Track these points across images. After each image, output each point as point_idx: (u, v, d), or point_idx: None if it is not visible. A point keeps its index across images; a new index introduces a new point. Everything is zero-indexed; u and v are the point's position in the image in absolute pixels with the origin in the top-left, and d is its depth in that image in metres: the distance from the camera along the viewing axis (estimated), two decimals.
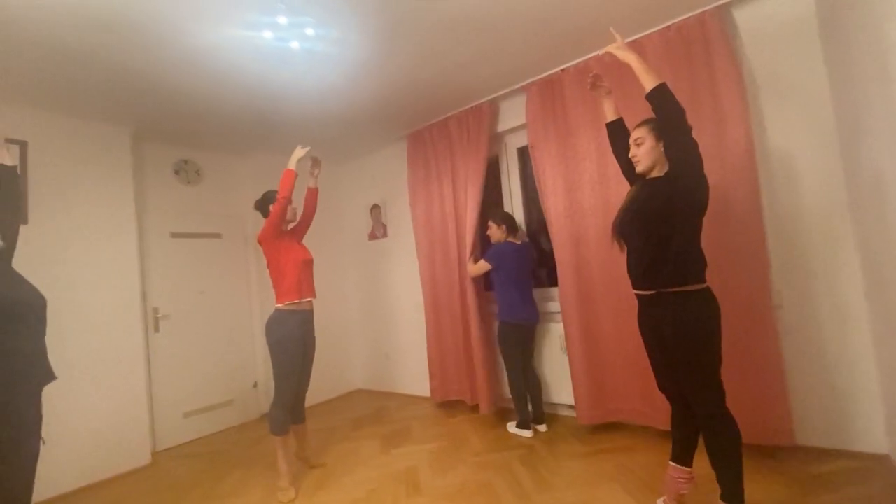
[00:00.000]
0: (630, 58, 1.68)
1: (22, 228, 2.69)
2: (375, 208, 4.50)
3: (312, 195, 2.77)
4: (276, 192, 2.50)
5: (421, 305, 3.84)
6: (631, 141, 1.78)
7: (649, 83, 1.62)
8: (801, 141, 2.27)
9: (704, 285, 1.61)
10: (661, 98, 1.61)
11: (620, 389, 2.69)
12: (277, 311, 2.48)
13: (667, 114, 1.61)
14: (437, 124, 3.63)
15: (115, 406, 2.98)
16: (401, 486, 2.37)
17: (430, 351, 3.67)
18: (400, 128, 3.82)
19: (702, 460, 1.76)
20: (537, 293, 3.21)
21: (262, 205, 2.62)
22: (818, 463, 2.11)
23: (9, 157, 1.52)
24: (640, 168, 1.76)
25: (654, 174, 1.74)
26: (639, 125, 1.77)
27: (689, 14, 2.43)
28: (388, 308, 4.39)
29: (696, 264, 1.62)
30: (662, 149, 1.69)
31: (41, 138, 2.85)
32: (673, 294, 1.61)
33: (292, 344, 2.45)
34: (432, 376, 3.66)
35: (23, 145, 2.78)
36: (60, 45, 2.19)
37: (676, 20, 2.47)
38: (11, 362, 1.25)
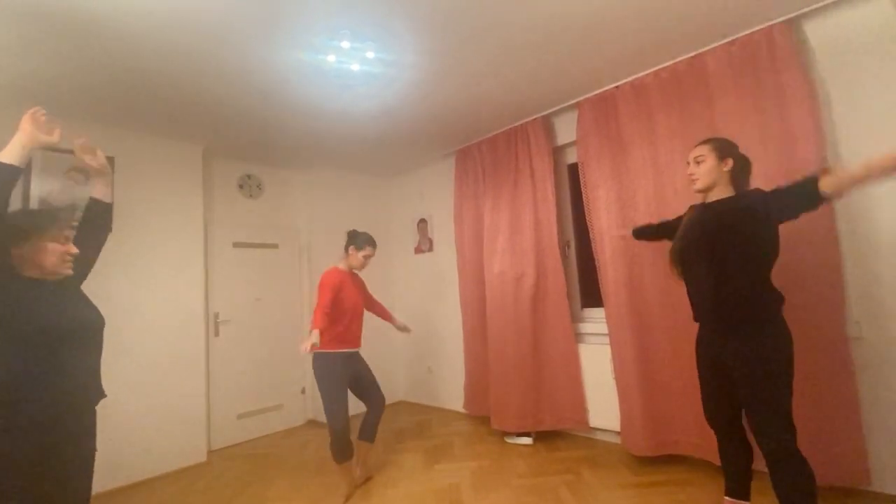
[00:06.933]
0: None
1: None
2: (422, 222, 4.58)
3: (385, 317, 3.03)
4: (364, 236, 2.67)
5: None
6: (690, 159, 1.74)
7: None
8: None
9: (779, 314, 1.52)
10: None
11: (677, 419, 2.55)
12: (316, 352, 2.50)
13: None
14: (485, 141, 3.67)
15: (177, 404, 3.18)
16: None
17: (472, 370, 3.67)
18: (449, 144, 3.89)
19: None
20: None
21: (350, 240, 2.70)
22: None
23: (109, 195, 1.66)
24: (697, 186, 1.71)
25: (715, 196, 1.68)
26: (701, 143, 1.73)
27: (755, 28, 2.34)
28: (432, 322, 4.42)
29: (769, 292, 1.53)
30: (725, 169, 1.65)
31: (126, 154, 3.15)
32: (744, 324, 1.52)
33: (335, 378, 2.47)
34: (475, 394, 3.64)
35: (110, 160, 3.08)
36: (148, 73, 2.42)
37: (740, 35, 2.39)
38: (69, 379, 1.34)
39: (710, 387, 1.72)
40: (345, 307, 2.56)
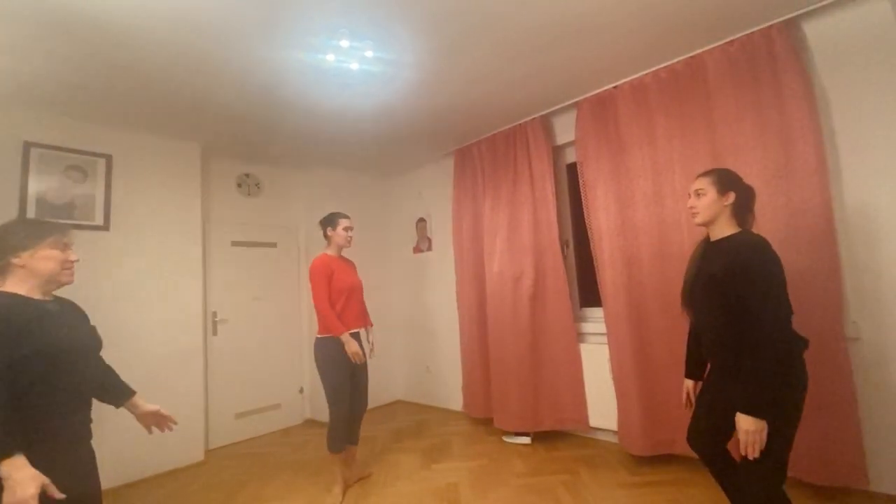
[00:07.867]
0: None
1: (103, 235, 2.99)
2: (421, 222, 4.58)
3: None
4: (338, 216, 2.69)
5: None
6: (691, 190, 1.67)
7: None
8: (881, 159, 2.11)
9: (793, 359, 1.42)
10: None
11: (674, 419, 2.55)
12: (318, 338, 2.57)
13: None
14: (484, 140, 3.67)
15: (175, 404, 3.13)
16: None
17: (469, 369, 3.67)
18: (448, 144, 3.88)
19: None
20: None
21: (323, 224, 2.72)
22: None
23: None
24: (697, 220, 1.64)
25: (718, 231, 1.61)
26: (702, 175, 1.66)
27: (754, 29, 2.34)
28: (431, 322, 4.42)
29: (783, 343, 1.39)
30: (726, 203, 1.58)
31: (124, 153, 3.14)
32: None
33: (337, 364, 2.46)
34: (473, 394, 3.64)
35: (108, 158, 3.07)
36: (146, 71, 2.40)
37: (739, 35, 2.39)
38: (61, 393, 1.31)
39: (703, 409, 1.69)
40: (340, 288, 2.57)
